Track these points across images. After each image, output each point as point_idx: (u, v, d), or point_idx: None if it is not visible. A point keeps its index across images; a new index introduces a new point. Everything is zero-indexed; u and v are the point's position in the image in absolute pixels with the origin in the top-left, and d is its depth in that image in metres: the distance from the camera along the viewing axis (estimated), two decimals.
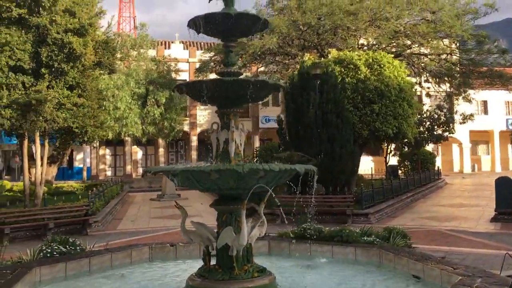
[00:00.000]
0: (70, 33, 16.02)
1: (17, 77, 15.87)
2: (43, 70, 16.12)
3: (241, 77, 7.21)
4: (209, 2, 7.25)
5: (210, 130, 7.32)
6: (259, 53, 28.09)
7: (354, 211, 17.30)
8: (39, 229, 15.22)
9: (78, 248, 8.33)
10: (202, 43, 46.55)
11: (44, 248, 8.00)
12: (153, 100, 29.41)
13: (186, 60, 43.36)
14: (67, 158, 30.27)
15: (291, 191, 19.36)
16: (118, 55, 31.23)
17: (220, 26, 6.77)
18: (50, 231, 14.98)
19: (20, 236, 14.97)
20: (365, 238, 8.72)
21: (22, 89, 15.88)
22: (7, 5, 15.53)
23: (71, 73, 16.51)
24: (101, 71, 18.37)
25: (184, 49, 45.61)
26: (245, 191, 6.45)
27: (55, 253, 7.93)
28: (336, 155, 18.47)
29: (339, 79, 20.19)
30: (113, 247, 9.27)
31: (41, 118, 15.87)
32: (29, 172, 18.64)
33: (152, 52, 40.33)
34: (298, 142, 19.14)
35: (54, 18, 15.95)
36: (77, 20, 16.29)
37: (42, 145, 17.77)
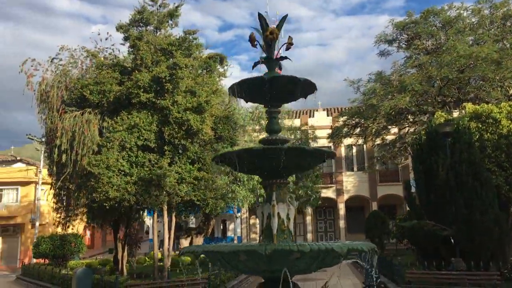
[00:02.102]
0: (188, 112, 17.05)
1: (144, 155, 17.24)
2: (165, 147, 17.33)
3: (289, 145, 6.60)
4: (252, 68, 6.93)
5: (257, 203, 6.74)
6: (393, 113, 26.63)
7: None
8: None
9: None
10: (346, 108, 46.29)
11: None
12: None
13: (329, 127, 43.30)
14: (221, 228, 31.46)
15: (424, 266, 17.13)
16: (257, 127, 32.43)
17: (255, 91, 6.36)
18: None
19: None
20: None
21: (150, 166, 17.14)
22: (136, 91, 17.23)
23: (191, 148, 17.44)
24: (223, 145, 19.03)
25: (327, 116, 45.74)
26: (282, 273, 5.62)
27: None
28: (476, 223, 15.88)
29: (476, 136, 17.82)
30: None
31: (164, 192, 16.79)
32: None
33: (296, 122, 41.19)
34: (429, 209, 17.03)
35: (176, 99, 17.19)
36: (196, 99, 17.32)
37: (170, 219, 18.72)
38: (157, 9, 19.59)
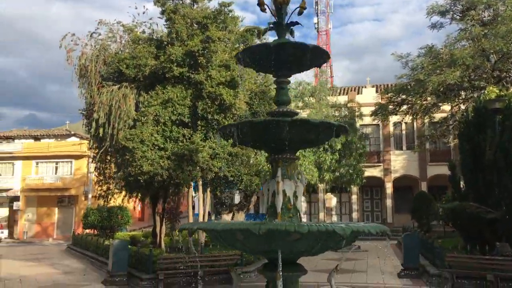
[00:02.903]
0: (222, 86, 16.74)
1: (178, 130, 17.16)
2: (199, 122, 17.14)
3: (298, 117, 6.11)
4: (262, 35, 6.42)
5: (263, 179, 6.34)
6: (441, 89, 25.17)
7: None
8: (193, 276, 15.62)
9: None
10: (393, 85, 44.61)
11: None
12: (327, 146, 28.77)
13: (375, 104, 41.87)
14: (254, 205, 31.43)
15: (467, 250, 16.21)
16: (300, 104, 31.77)
17: (261, 59, 5.88)
18: (202, 279, 15.28)
19: (176, 282, 15.57)
20: None
21: (183, 141, 17.05)
22: (169, 66, 17.07)
23: (225, 123, 17.15)
24: None
25: (376, 92, 44.23)
26: (284, 255, 5.22)
27: None
28: None
29: None
30: None
31: (197, 167, 16.68)
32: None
33: (343, 98, 40.05)
34: (476, 191, 16.00)
35: (209, 74, 16.91)
36: (229, 73, 16.96)
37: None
38: None
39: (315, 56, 5.86)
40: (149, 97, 17.36)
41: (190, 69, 17.26)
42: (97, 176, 21.36)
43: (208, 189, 18.82)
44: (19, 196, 46.73)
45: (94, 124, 17.72)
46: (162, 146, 16.78)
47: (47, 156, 46.80)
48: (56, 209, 48.16)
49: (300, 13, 6.10)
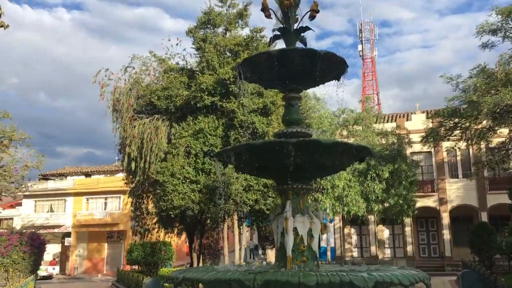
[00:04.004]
0: (254, 114, 15.93)
1: (210, 161, 16.39)
2: None
3: (307, 138, 5.03)
4: (268, 46, 5.49)
5: (271, 215, 5.27)
6: (498, 111, 23.21)
7: None
8: None
9: None
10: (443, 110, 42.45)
11: None
12: (374, 174, 27.14)
13: (426, 129, 39.79)
14: None
15: None
16: (344, 132, 30.50)
17: (264, 71, 4.90)
18: None
19: None
20: None
21: (216, 173, 16.23)
22: (200, 95, 16.48)
23: None
24: None
25: (427, 118, 42.19)
26: None
27: None
28: None
29: None
30: None
31: (230, 201, 15.78)
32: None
33: (390, 125, 38.35)
34: None
35: (242, 102, 16.18)
36: (262, 100, 16.16)
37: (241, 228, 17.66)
38: (226, 9, 18.77)
39: (329, 66, 4.84)
40: (181, 129, 16.80)
41: (221, 98, 16.61)
42: (133, 211, 20.85)
43: (244, 224, 17.81)
44: (70, 232, 47.40)
45: (126, 158, 17.28)
46: (193, 179, 16.04)
47: (97, 192, 47.50)
48: (106, 245, 48.43)
49: (312, 18, 5.16)
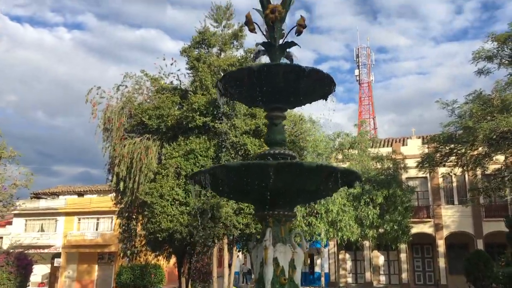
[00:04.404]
0: (246, 135, 15.63)
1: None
2: None
3: (288, 160, 4.66)
4: (253, 61, 5.17)
5: (251, 243, 4.88)
6: (494, 137, 23.00)
7: None
8: None
9: None
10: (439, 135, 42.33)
11: None
12: (368, 199, 26.75)
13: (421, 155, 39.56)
14: (308, 262, 29.39)
15: None
16: (340, 156, 30.20)
17: (245, 87, 4.59)
18: None
19: None
20: None
21: (206, 195, 15.83)
22: (192, 115, 16.20)
23: None
24: None
25: (423, 144, 42.02)
26: None
27: None
28: None
29: None
30: None
31: (220, 224, 15.33)
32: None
33: (385, 150, 38.14)
34: None
35: (234, 123, 15.89)
36: (254, 121, 15.88)
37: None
38: (221, 30, 18.64)
39: (315, 84, 4.52)
40: (171, 149, 16.47)
41: (214, 119, 16.33)
42: (121, 233, 20.29)
43: (234, 248, 17.31)
44: (60, 253, 46.53)
45: (115, 178, 16.88)
46: (183, 200, 15.64)
47: (89, 212, 46.83)
48: (96, 266, 47.50)
49: (298, 33, 4.88)
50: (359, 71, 66.09)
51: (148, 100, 19.20)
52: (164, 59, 19.54)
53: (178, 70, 19.93)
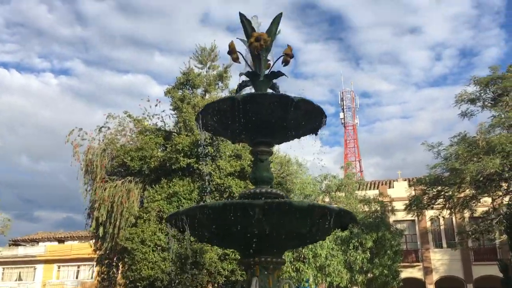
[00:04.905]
0: (231, 177, 15.19)
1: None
2: None
3: (276, 200, 4.21)
4: (237, 91, 4.82)
5: None
6: (481, 179, 22.88)
7: None
8: None
9: None
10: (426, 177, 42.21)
11: None
12: (357, 243, 26.10)
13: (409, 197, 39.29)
14: None
15: None
16: (326, 199, 29.74)
17: (227, 120, 4.22)
18: None
19: None
20: None
21: (188, 240, 15.18)
22: (175, 156, 15.77)
23: None
24: None
25: (409, 186, 41.87)
26: None
27: None
28: None
29: None
30: None
31: (204, 270, 14.61)
32: None
33: (372, 193, 37.83)
34: None
35: (218, 164, 15.47)
36: (239, 163, 15.48)
37: None
38: (206, 71, 18.52)
39: (304, 116, 4.17)
40: (154, 192, 15.90)
41: (198, 160, 15.89)
42: (99, 282, 19.27)
43: None
44: None
45: (94, 222, 16.17)
46: (165, 246, 14.93)
47: (69, 259, 45.22)
48: None
49: (285, 63, 4.57)
50: (344, 114, 66.68)
51: (131, 142, 18.74)
52: (148, 101, 19.25)
53: (163, 111, 19.60)
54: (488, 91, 28.31)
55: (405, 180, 43.40)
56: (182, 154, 15.84)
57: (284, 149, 19.53)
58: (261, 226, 3.56)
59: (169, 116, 19.39)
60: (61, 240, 51.05)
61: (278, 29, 4.69)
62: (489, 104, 28.40)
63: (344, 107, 66.98)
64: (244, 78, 4.53)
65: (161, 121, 19.31)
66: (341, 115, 67.03)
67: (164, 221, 15.31)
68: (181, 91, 18.08)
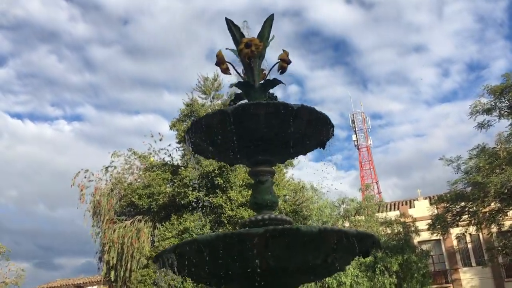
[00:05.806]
0: (243, 208, 14.47)
1: None
2: None
3: (279, 226, 3.51)
4: (231, 101, 4.19)
5: None
6: (506, 191, 21.79)
7: None
8: None
9: None
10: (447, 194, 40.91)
11: None
12: (383, 268, 24.88)
13: (431, 217, 37.94)
14: None
15: None
16: (346, 224, 28.70)
17: (219, 137, 3.59)
18: None
19: None
20: None
21: None
22: (184, 190, 15.13)
23: None
24: None
25: (430, 204, 40.57)
26: None
27: None
28: None
29: None
30: None
31: None
32: None
33: (393, 214, 36.63)
34: None
35: (229, 195, 14.79)
36: (251, 192, 14.79)
37: None
38: (210, 101, 18.05)
39: (308, 127, 3.50)
40: (164, 229, 15.21)
41: (207, 193, 15.22)
42: None
43: None
44: None
45: (105, 266, 15.46)
46: (179, 286, 14.11)
47: None
48: None
49: (282, 71, 3.98)
50: (357, 136, 65.76)
51: (138, 180, 18.18)
52: (152, 136, 18.81)
53: (169, 145, 19.12)
54: (503, 100, 27.42)
55: (426, 199, 42.10)
56: (191, 188, 15.22)
57: (298, 175, 18.92)
58: (263, 260, 2.88)
59: (176, 150, 18.90)
60: (79, 286, 50.24)
61: (272, 35, 4.13)
62: (506, 113, 27.46)
63: (356, 129, 66.14)
64: (235, 90, 3.94)
65: (168, 155, 18.83)
66: (354, 137, 66.11)
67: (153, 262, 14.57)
68: (185, 123, 17.60)
